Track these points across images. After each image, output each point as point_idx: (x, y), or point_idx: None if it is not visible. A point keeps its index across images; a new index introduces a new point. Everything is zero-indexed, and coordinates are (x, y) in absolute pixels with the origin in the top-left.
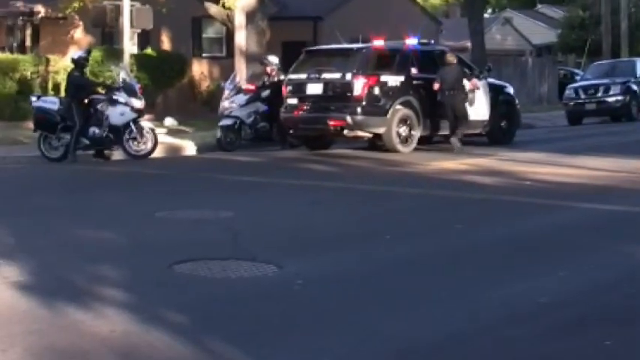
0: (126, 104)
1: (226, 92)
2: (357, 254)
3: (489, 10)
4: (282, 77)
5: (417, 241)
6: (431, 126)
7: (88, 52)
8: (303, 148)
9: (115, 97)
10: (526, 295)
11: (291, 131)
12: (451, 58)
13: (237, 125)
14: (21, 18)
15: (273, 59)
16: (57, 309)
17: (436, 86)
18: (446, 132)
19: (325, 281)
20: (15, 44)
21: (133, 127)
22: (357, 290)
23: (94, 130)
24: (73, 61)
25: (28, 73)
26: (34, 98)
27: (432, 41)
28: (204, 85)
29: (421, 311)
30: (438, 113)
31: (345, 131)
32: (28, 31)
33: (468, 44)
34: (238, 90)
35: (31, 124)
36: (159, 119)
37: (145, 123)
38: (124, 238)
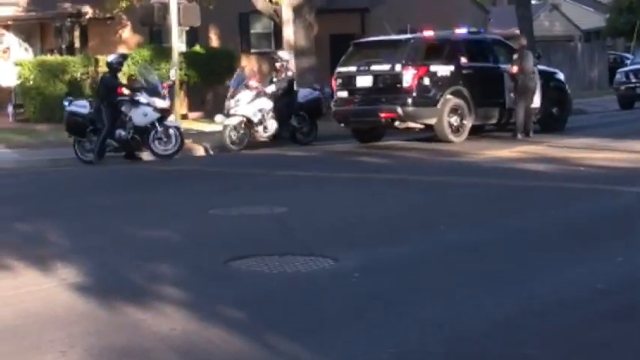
0: (148, 104)
1: (231, 90)
2: (413, 245)
3: None
4: (290, 73)
5: (471, 230)
6: (482, 115)
7: (123, 55)
8: (318, 143)
9: (136, 97)
10: (582, 281)
11: (342, 124)
12: (524, 42)
13: (244, 123)
14: (69, 19)
15: (284, 54)
16: (115, 309)
17: (514, 69)
18: (497, 121)
19: (382, 273)
20: (64, 46)
21: (157, 127)
22: (413, 280)
23: (119, 132)
24: (108, 64)
25: (78, 74)
26: (66, 102)
27: (482, 30)
28: (255, 79)
29: (477, 299)
30: (488, 102)
31: (397, 123)
32: (77, 33)
33: (517, 31)
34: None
35: None
36: (209, 116)
37: (170, 122)
38: (180, 235)
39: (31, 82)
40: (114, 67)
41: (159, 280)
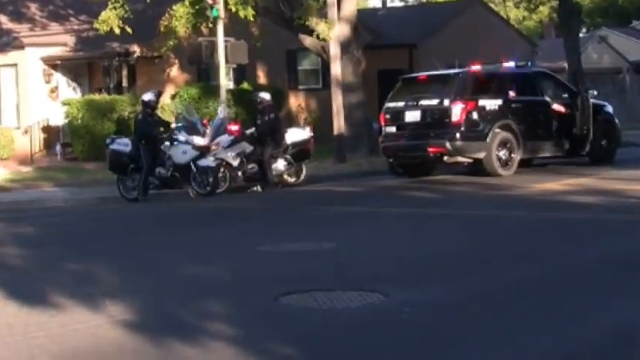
0: (187, 142)
1: (209, 133)
2: (463, 280)
3: (584, 30)
4: (272, 115)
5: (523, 266)
6: (531, 149)
7: (158, 93)
8: (274, 186)
9: (174, 136)
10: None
11: (391, 160)
12: None
13: (223, 168)
14: (117, 58)
15: (265, 95)
16: (165, 345)
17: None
18: (546, 154)
19: (433, 308)
20: (112, 85)
21: (196, 164)
22: (464, 317)
23: (159, 170)
24: (143, 102)
25: (126, 113)
26: (108, 140)
27: (529, 63)
28: (302, 117)
29: (534, 336)
30: (537, 135)
31: (445, 157)
32: (124, 72)
33: (565, 64)
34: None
35: None
36: None
37: (207, 161)
38: (228, 272)
39: (79, 121)
40: (149, 105)
41: (208, 316)
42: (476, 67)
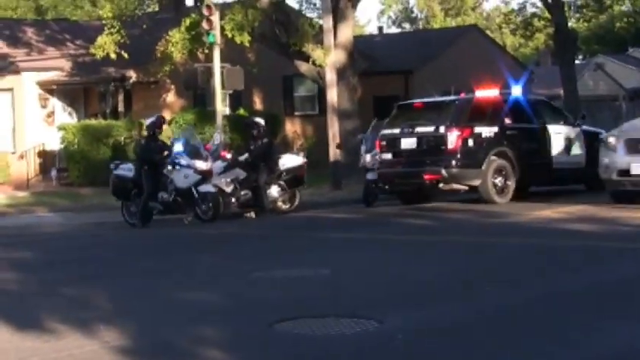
0: (188, 167)
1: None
2: (457, 306)
3: (580, 57)
4: (265, 140)
5: (516, 292)
6: (527, 176)
7: (161, 117)
8: (271, 212)
9: (176, 160)
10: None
11: (386, 187)
12: None
13: (216, 194)
14: (113, 84)
15: (259, 121)
16: None
17: None
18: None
19: (426, 335)
20: (107, 110)
21: (197, 189)
22: (458, 343)
23: (162, 194)
24: (146, 126)
25: (122, 139)
26: (112, 166)
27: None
28: (298, 143)
29: None
30: (533, 163)
31: (441, 185)
32: (120, 97)
33: (561, 92)
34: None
35: None
36: None
37: (206, 187)
38: (223, 298)
39: (75, 146)
40: (152, 130)
41: (202, 342)
42: (476, 94)
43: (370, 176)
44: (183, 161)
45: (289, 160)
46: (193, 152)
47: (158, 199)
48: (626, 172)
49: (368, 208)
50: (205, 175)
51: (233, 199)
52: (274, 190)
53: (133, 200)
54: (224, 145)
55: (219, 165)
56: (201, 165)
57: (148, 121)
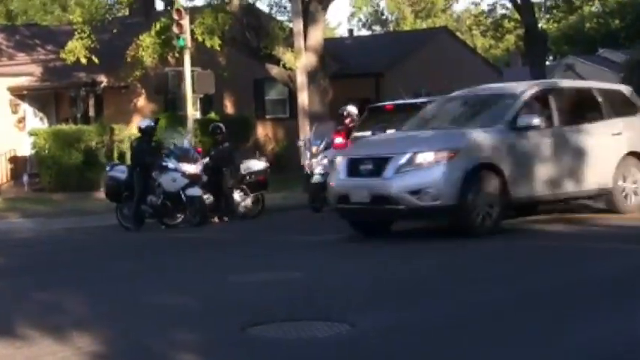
0: (176, 170)
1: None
2: (432, 305)
3: (551, 58)
4: (226, 144)
5: (489, 289)
6: None
7: (156, 120)
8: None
9: (164, 163)
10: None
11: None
12: None
13: (203, 198)
14: (83, 89)
15: (221, 125)
16: None
17: None
18: None
19: (399, 336)
20: (79, 115)
21: (185, 193)
22: (430, 343)
23: (150, 198)
24: (140, 129)
25: (93, 143)
26: (108, 167)
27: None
28: (270, 146)
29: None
30: None
31: None
32: (91, 101)
33: None
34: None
35: (98, 194)
36: None
37: (193, 190)
38: (198, 302)
39: (47, 152)
40: (148, 133)
41: (176, 346)
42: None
43: (316, 180)
44: (171, 164)
45: (251, 165)
46: (182, 155)
47: (147, 203)
48: (345, 199)
49: (317, 213)
50: (193, 179)
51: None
52: (237, 195)
53: (125, 203)
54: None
55: None
56: (189, 168)
57: (142, 123)
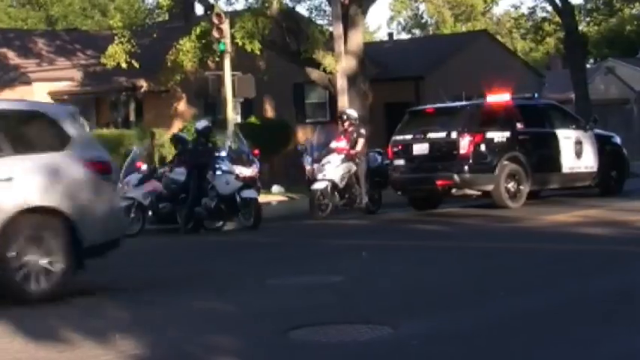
0: (230, 172)
1: (122, 173)
2: (471, 312)
3: (591, 61)
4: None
5: (530, 296)
6: (539, 180)
7: (212, 121)
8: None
9: (217, 165)
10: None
11: (399, 192)
12: None
13: (135, 207)
14: (124, 93)
15: (185, 135)
16: None
17: None
18: (554, 186)
19: (439, 340)
20: (119, 119)
21: (240, 195)
22: (472, 348)
23: (205, 200)
24: (197, 131)
25: (134, 148)
26: (166, 169)
27: (536, 95)
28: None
29: None
30: (545, 167)
31: (453, 190)
32: (132, 106)
33: (572, 96)
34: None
35: None
36: (266, 187)
37: (249, 192)
38: (238, 306)
39: None
40: (204, 134)
41: (218, 351)
42: (488, 99)
43: (316, 186)
44: (224, 166)
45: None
46: (236, 158)
47: (202, 205)
48: None
49: (315, 220)
50: (247, 182)
51: (150, 212)
52: (203, 207)
53: (182, 205)
54: (141, 157)
55: (135, 177)
56: (244, 171)
57: (198, 125)
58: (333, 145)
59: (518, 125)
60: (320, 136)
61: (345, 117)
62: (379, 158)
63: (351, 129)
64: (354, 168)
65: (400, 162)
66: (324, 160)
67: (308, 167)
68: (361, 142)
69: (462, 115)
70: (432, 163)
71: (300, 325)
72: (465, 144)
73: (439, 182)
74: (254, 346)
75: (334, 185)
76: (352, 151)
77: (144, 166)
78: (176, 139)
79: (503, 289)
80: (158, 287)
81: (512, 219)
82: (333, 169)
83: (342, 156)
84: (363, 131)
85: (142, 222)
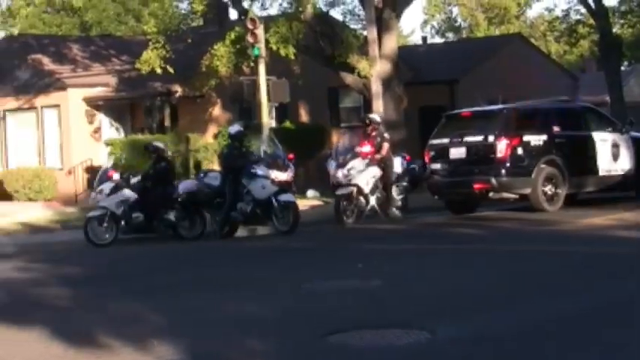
0: (265, 177)
1: (97, 184)
2: (507, 315)
3: (625, 63)
4: (163, 164)
5: (565, 299)
6: (576, 183)
7: (245, 126)
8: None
9: (253, 170)
10: None
11: (435, 196)
12: None
13: (108, 217)
14: (159, 98)
15: (160, 145)
16: None
17: None
18: (591, 189)
19: (478, 345)
20: (154, 124)
21: (277, 199)
22: (509, 352)
23: (240, 205)
24: (230, 135)
25: (169, 153)
26: (201, 174)
27: (578, 98)
28: None
29: None
30: (582, 170)
31: (490, 193)
32: (167, 111)
33: (607, 98)
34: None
35: None
36: (301, 192)
37: (287, 196)
38: (274, 310)
39: (123, 161)
40: (238, 138)
41: (255, 355)
42: (519, 103)
43: (341, 192)
44: (260, 171)
45: (188, 185)
46: (272, 162)
47: (237, 210)
48: None
49: (342, 226)
50: (283, 186)
51: (122, 222)
52: (171, 215)
53: (217, 210)
54: (113, 165)
55: (108, 186)
56: (280, 175)
57: (231, 129)
58: (358, 149)
59: (555, 128)
60: (345, 141)
61: (368, 121)
62: (405, 162)
63: (374, 133)
64: (379, 172)
65: (437, 166)
66: (349, 165)
67: (332, 172)
68: (385, 146)
69: (498, 119)
70: (469, 167)
71: (337, 330)
72: (502, 147)
73: (476, 186)
74: (292, 350)
75: (359, 190)
76: (377, 156)
77: (116, 175)
78: (152, 149)
79: (538, 292)
80: (194, 292)
81: (549, 222)
82: (358, 174)
83: (367, 160)
84: (386, 135)
85: (115, 232)
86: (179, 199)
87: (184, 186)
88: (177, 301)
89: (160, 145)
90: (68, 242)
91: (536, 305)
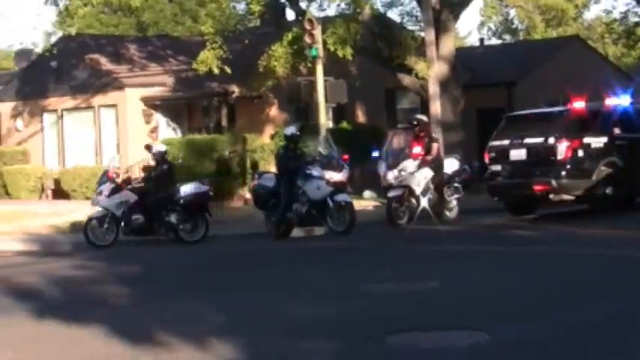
0: (320, 178)
1: (97, 187)
2: (565, 317)
3: None
4: (164, 167)
5: (613, 305)
6: (634, 186)
7: (301, 127)
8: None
9: (308, 171)
10: None
11: (495, 198)
12: None
13: (108, 218)
14: (216, 98)
15: (159, 147)
16: None
17: None
18: None
19: (538, 345)
20: (211, 124)
21: (333, 199)
22: (571, 353)
23: (296, 206)
24: (285, 137)
25: (226, 153)
26: (256, 175)
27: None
28: None
29: None
30: None
31: (551, 195)
32: (224, 111)
33: None
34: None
35: (233, 203)
36: (357, 193)
37: (343, 196)
38: (333, 310)
39: (180, 161)
40: (293, 140)
41: (315, 356)
42: (579, 105)
43: (393, 193)
44: (315, 172)
45: (190, 189)
46: (327, 163)
47: (292, 210)
48: None
49: (394, 228)
50: (338, 187)
51: (122, 224)
52: (172, 217)
53: (272, 211)
54: (115, 166)
55: (107, 187)
56: (335, 176)
57: (287, 130)
58: (408, 151)
59: (616, 130)
60: (394, 141)
61: (415, 122)
62: (458, 163)
63: (422, 134)
64: (431, 174)
65: (497, 167)
66: (400, 166)
67: (383, 173)
68: (435, 146)
69: (559, 121)
70: (529, 169)
71: (397, 330)
72: (562, 149)
73: (536, 187)
74: (352, 350)
75: (411, 192)
76: (427, 157)
77: (118, 179)
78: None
79: (600, 294)
80: (252, 292)
81: (606, 224)
82: (409, 176)
83: (418, 162)
84: (435, 136)
85: (116, 233)
86: (181, 202)
87: (187, 190)
88: (236, 301)
89: (162, 148)
90: (124, 241)
91: (596, 309)
